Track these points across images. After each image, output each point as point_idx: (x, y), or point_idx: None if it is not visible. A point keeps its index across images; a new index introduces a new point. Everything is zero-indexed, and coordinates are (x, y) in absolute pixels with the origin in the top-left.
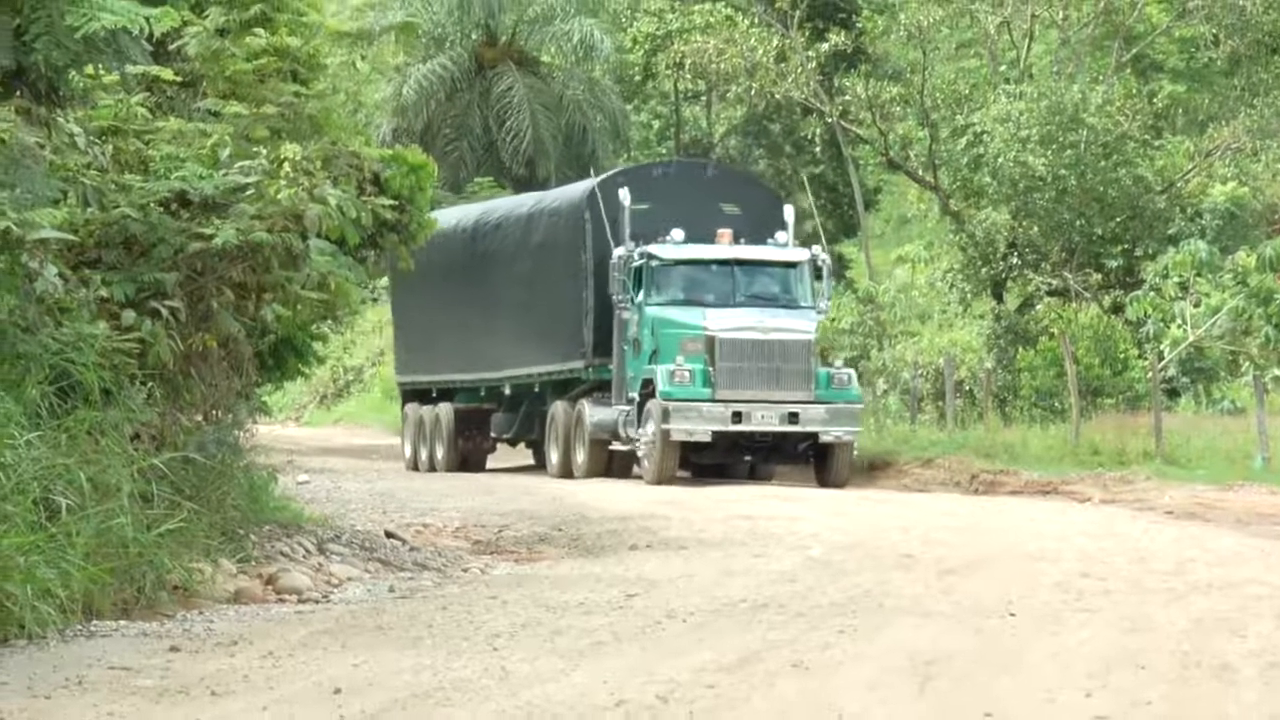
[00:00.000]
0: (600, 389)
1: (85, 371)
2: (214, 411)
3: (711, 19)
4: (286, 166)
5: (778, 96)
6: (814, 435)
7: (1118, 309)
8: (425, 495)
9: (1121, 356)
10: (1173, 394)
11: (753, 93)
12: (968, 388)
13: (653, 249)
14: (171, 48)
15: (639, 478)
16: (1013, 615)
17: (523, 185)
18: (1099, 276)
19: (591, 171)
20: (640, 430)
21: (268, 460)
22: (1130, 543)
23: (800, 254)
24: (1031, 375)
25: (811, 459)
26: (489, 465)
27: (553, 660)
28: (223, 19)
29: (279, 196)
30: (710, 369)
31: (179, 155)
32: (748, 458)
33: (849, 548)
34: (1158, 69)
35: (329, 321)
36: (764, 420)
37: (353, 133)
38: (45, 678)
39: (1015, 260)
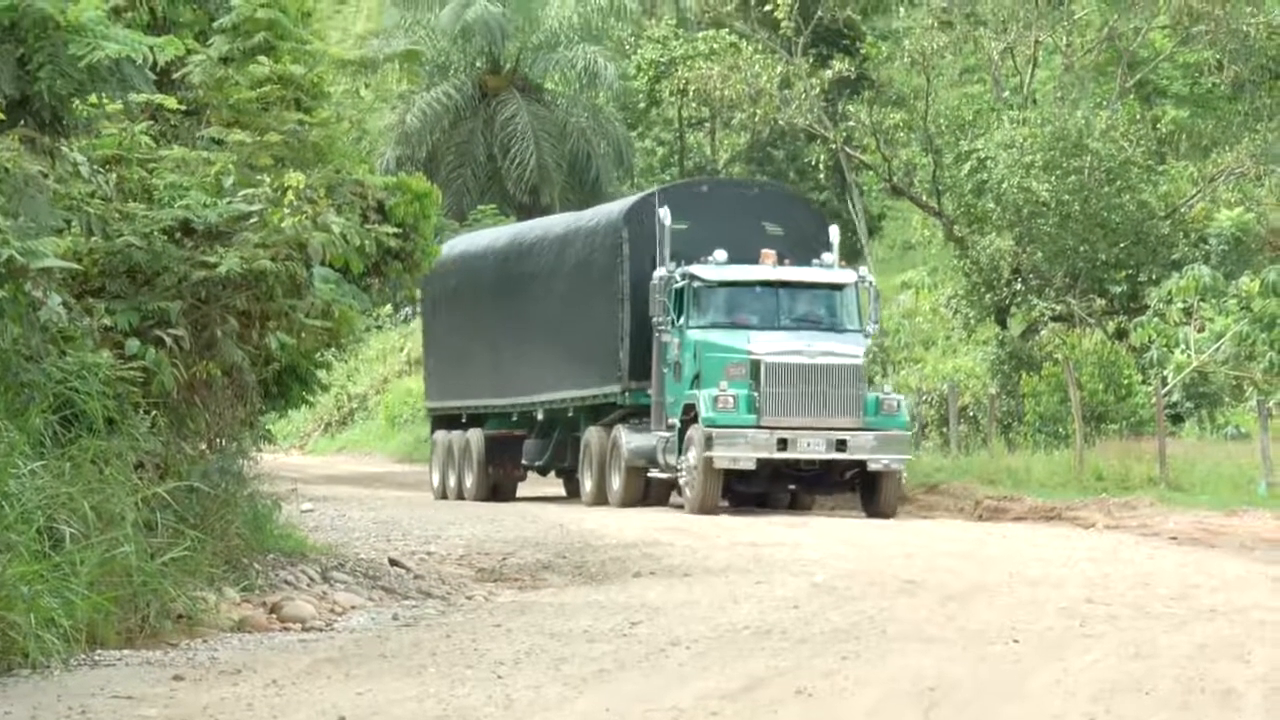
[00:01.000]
0: (637, 414)
1: (89, 400)
2: (218, 440)
3: (715, 46)
4: (290, 195)
5: (781, 123)
6: (862, 463)
7: (1122, 334)
8: (429, 523)
9: (1125, 382)
10: (1177, 419)
11: (756, 119)
12: (972, 414)
13: (695, 269)
14: (175, 76)
15: (678, 507)
16: (1016, 641)
17: (526, 212)
18: (1103, 302)
19: (632, 192)
20: (682, 458)
21: (272, 489)
22: (1134, 568)
23: (847, 275)
24: (1035, 401)
25: (858, 488)
26: (519, 494)
27: (556, 688)
28: (226, 47)
29: (283, 225)
30: (755, 394)
31: (183, 184)
32: (792, 486)
33: (852, 574)
34: (1161, 94)
35: (333, 349)
36: (810, 448)
37: (356, 161)
38: (49, 707)
39: (1019, 286)
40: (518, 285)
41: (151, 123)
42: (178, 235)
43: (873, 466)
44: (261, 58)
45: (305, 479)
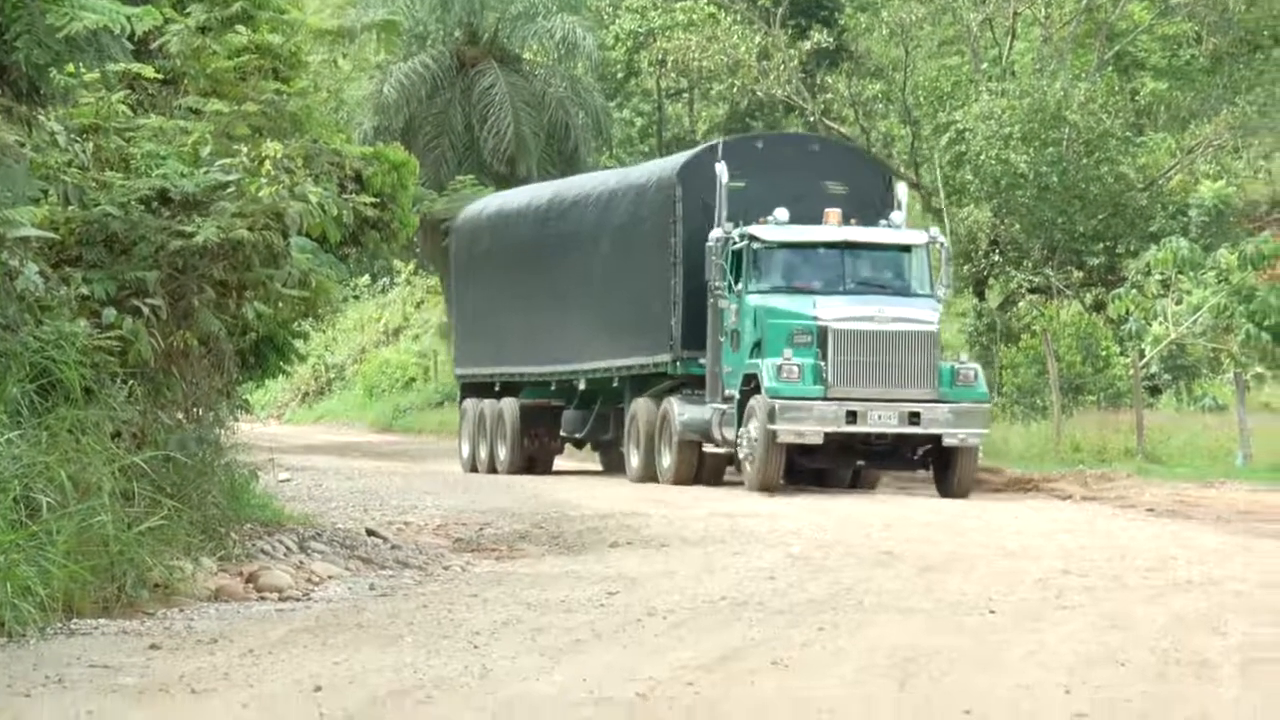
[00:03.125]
0: (688, 385)
1: (66, 369)
2: (195, 409)
3: (694, 16)
4: (268, 164)
5: (760, 94)
6: (936, 438)
7: (1099, 306)
8: (407, 493)
9: (1103, 354)
10: (1154, 391)
11: (735, 90)
12: None
13: (755, 230)
14: (153, 45)
15: (735, 484)
16: (993, 613)
17: (503, 183)
18: (1081, 274)
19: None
20: (741, 431)
21: (249, 458)
22: (1111, 540)
23: (918, 236)
24: (1013, 373)
25: (930, 465)
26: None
27: (533, 658)
28: (204, 16)
29: (260, 194)
30: (822, 364)
31: (160, 153)
32: (860, 462)
33: (830, 545)
34: (1140, 66)
35: (310, 319)
36: (881, 421)
37: (334, 131)
38: (25, 676)
39: (997, 258)
40: (558, 246)
41: (129, 92)
42: (155, 204)
43: (948, 441)
44: (239, 27)
45: (282, 449)
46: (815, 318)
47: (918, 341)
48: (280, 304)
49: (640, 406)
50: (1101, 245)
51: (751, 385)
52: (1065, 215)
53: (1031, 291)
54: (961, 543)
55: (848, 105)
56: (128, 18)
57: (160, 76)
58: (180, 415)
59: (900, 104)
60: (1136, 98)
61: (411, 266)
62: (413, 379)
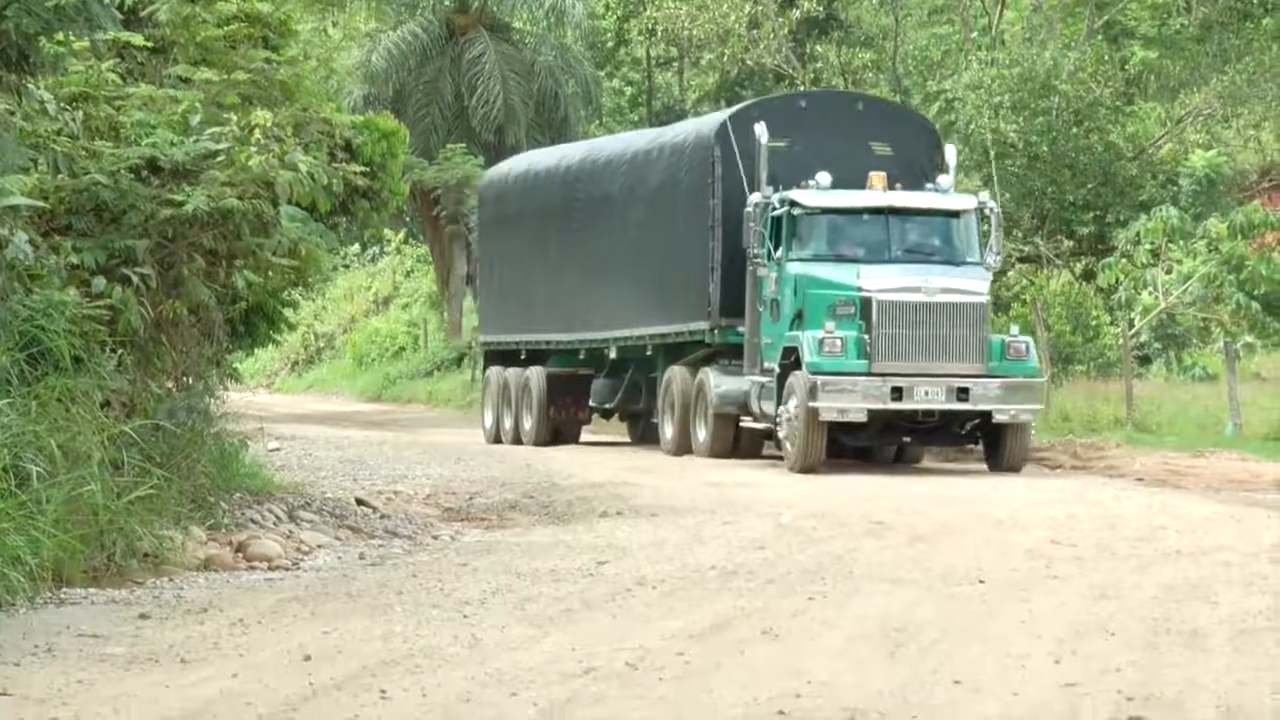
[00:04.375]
0: (723, 354)
1: (56, 338)
2: (185, 378)
3: None
4: (257, 133)
5: (750, 63)
6: (986, 414)
7: (1089, 276)
8: (396, 462)
9: (1093, 323)
10: (1144, 361)
11: (725, 59)
12: None
13: (795, 195)
14: (142, 14)
15: (773, 458)
16: (982, 583)
17: (492, 152)
18: (1070, 243)
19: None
20: (781, 408)
21: (238, 427)
22: (1101, 510)
23: (966, 201)
24: None
25: (980, 441)
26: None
27: (523, 628)
28: None
29: (250, 163)
30: (866, 337)
31: (150, 122)
32: (907, 439)
33: (819, 515)
34: (1129, 35)
35: (300, 288)
36: (928, 397)
37: (324, 99)
38: (14, 645)
39: (986, 227)
40: (589, 208)
41: (118, 60)
42: (144, 173)
43: (998, 418)
44: None
45: (272, 417)
46: (859, 288)
47: (966, 313)
48: (270, 273)
49: (675, 375)
50: (1091, 214)
51: (791, 358)
52: (1055, 184)
53: (1021, 261)
54: (951, 513)
55: (838, 74)
56: None
57: (150, 45)
58: (170, 384)
59: (890, 73)
60: (1126, 66)
61: (401, 235)
62: (402, 348)
